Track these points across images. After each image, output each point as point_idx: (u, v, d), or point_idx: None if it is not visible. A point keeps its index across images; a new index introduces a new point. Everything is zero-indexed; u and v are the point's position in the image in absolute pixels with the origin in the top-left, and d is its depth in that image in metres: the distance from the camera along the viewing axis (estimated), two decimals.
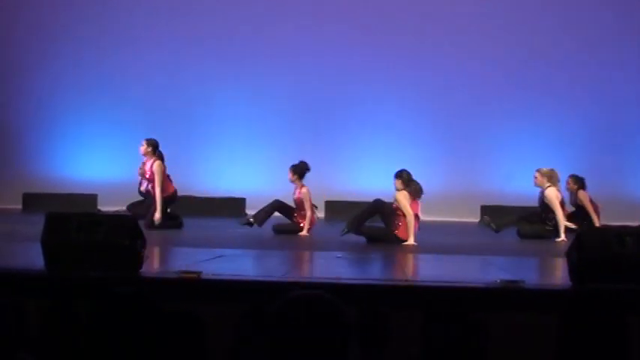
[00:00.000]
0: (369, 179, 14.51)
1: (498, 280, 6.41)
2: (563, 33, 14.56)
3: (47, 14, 15.22)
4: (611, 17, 14.46)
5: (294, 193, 11.43)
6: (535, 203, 12.11)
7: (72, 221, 6.45)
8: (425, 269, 7.82)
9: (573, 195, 12.56)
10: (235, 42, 14.89)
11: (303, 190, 11.31)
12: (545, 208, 11.46)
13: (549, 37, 14.53)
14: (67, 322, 3.95)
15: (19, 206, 14.39)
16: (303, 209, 11.29)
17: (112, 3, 15.08)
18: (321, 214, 14.03)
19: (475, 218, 13.62)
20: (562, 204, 11.52)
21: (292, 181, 11.40)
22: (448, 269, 8.04)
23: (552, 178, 11.49)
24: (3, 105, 15.38)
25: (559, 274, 6.46)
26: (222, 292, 6.07)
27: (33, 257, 6.66)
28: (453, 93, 14.63)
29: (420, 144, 14.26)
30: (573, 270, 6.21)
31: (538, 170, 11.60)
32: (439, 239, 10.87)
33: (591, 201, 12.43)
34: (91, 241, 6.27)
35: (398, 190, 10.38)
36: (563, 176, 11.94)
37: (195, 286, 6.15)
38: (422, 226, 10.43)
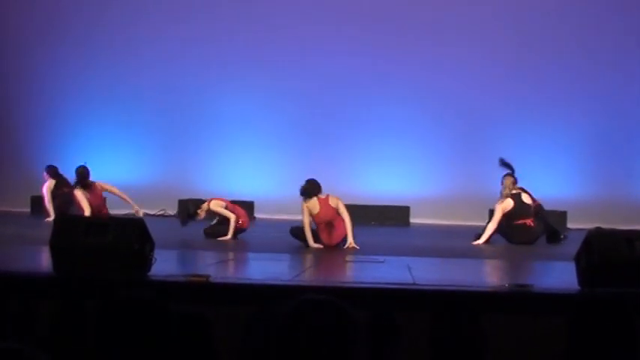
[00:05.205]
0: (379, 183, 14.50)
1: (507, 284, 6.40)
2: (570, 39, 14.52)
3: (57, 17, 15.23)
4: (614, 20, 14.42)
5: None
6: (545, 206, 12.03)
7: (80, 224, 6.47)
8: (434, 273, 7.78)
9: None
10: (244, 45, 14.87)
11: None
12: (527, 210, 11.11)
13: (559, 43, 14.49)
14: (75, 324, 3.95)
15: (28, 209, 14.40)
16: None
17: (122, 6, 15.09)
18: None
19: (483, 222, 13.61)
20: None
21: None
22: (457, 273, 8.03)
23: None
24: (12, 108, 15.40)
25: (567, 279, 6.43)
26: (229, 295, 6.06)
27: (41, 260, 6.67)
28: (462, 97, 14.59)
29: (429, 148, 14.22)
30: (582, 274, 6.19)
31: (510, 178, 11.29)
32: (448, 243, 10.85)
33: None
34: (100, 244, 6.28)
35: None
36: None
37: (203, 290, 6.15)
38: (432, 230, 10.41)
